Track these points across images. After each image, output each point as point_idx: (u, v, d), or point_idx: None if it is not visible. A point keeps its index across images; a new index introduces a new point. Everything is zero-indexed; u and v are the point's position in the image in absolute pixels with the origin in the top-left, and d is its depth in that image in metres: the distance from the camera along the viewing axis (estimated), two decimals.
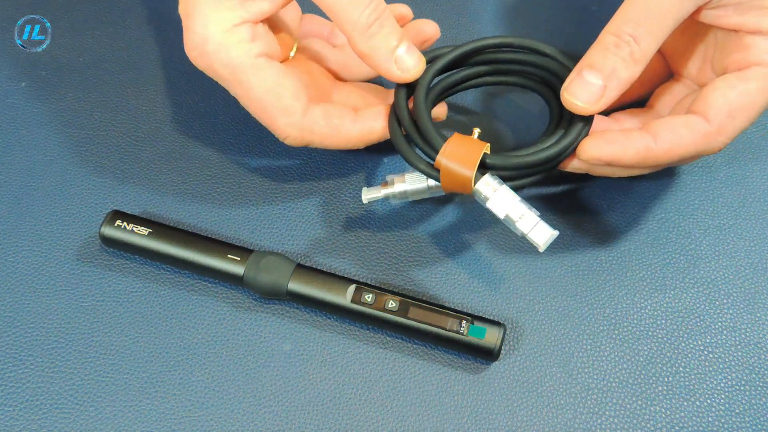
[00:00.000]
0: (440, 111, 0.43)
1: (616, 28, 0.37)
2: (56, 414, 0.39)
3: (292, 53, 0.44)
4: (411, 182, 0.40)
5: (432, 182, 0.40)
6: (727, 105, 0.37)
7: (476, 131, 0.39)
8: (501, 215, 0.37)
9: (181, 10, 0.39)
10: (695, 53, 0.42)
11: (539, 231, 0.37)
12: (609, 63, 0.37)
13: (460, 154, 0.37)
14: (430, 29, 0.44)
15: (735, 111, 0.37)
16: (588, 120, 0.38)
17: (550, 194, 0.45)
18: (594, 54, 0.37)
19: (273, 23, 0.42)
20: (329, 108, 0.41)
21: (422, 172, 0.39)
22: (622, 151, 0.37)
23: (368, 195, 0.41)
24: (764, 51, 0.37)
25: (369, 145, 0.42)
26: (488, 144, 0.38)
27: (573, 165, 0.39)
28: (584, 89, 0.37)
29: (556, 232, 0.37)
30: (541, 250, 0.37)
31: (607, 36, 0.37)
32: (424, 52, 0.41)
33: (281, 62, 0.41)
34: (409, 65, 0.39)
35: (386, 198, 0.41)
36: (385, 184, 0.41)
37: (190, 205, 0.44)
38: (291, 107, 0.39)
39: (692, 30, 0.41)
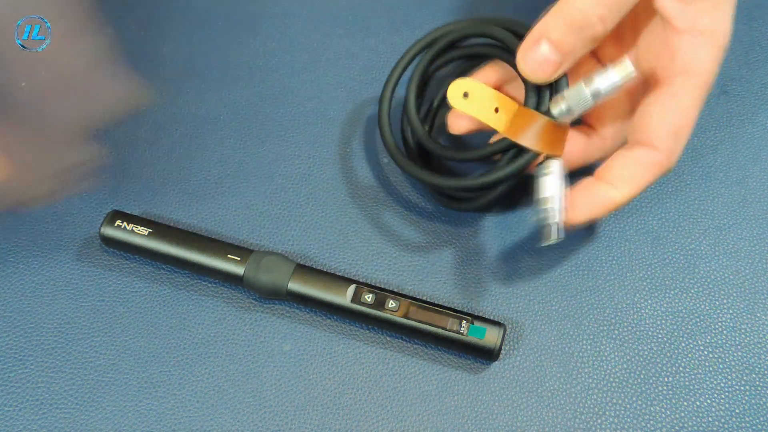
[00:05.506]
0: None
1: (584, 4, 0.35)
2: (56, 414, 0.39)
3: None
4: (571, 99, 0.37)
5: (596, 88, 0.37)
6: (670, 128, 0.37)
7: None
8: (540, 194, 0.37)
9: None
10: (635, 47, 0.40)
11: (553, 229, 0.37)
12: (570, 42, 0.36)
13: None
14: None
15: (679, 130, 0.37)
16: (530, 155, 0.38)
17: None
18: (556, 28, 0.36)
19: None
20: None
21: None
22: (594, 209, 0.37)
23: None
24: (691, 58, 0.36)
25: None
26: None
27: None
28: (538, 61, 0.36)
29: (562, 238, 0.37)
30: (542, 245, 0.37)
31: (574, 12, 0.35)
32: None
33: None
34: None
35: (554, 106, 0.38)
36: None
37: (190, 205, 0.44)
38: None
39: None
